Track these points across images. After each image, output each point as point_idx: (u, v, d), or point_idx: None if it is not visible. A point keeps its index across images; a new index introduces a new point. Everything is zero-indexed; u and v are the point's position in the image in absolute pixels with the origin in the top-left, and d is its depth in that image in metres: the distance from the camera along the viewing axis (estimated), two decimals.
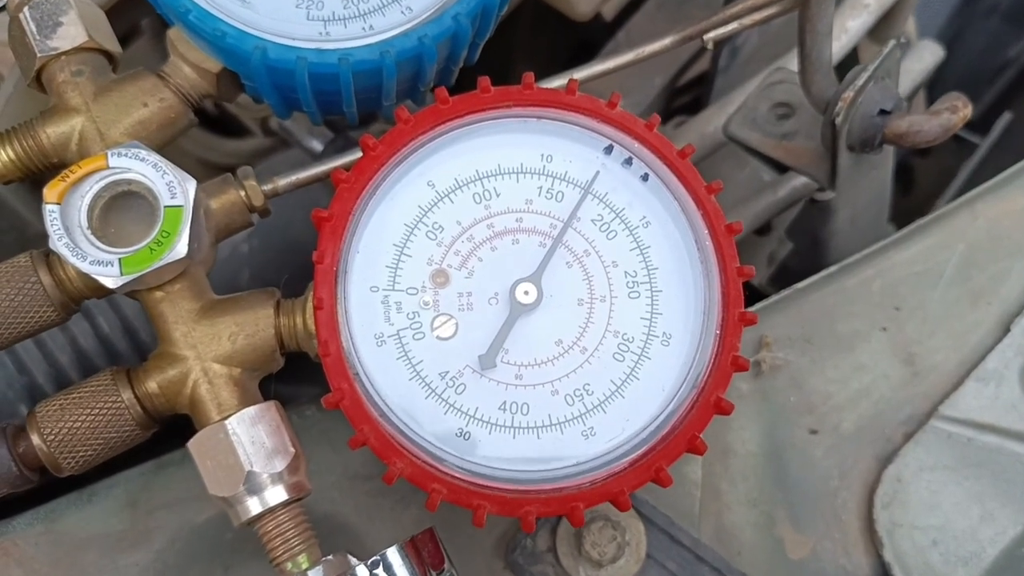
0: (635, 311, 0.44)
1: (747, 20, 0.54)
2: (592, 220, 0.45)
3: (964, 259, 0.58)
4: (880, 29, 0.75)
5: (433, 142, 0.44)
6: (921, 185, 0.73)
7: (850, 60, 0.74)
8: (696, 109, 0.78)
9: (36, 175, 0.47)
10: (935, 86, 0.94)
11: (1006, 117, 0.90)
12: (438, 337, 0.43)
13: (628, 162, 0.45)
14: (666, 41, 0.54)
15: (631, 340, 0.44)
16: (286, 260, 0.63)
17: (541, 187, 0.45)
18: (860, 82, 0.53)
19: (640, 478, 0.42)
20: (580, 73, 0.51)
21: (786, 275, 0.70)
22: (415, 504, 0.52)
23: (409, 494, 0.52)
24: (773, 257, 0.73)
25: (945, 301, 0.57)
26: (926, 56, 0.80)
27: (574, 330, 0.44)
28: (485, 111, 0.44)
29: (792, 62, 0.62)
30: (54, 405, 0.43)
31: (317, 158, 0.64)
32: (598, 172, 0.45)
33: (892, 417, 0.55)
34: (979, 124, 1.01)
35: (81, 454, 0.43)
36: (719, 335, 0.43)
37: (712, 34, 0.54)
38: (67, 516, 0.50)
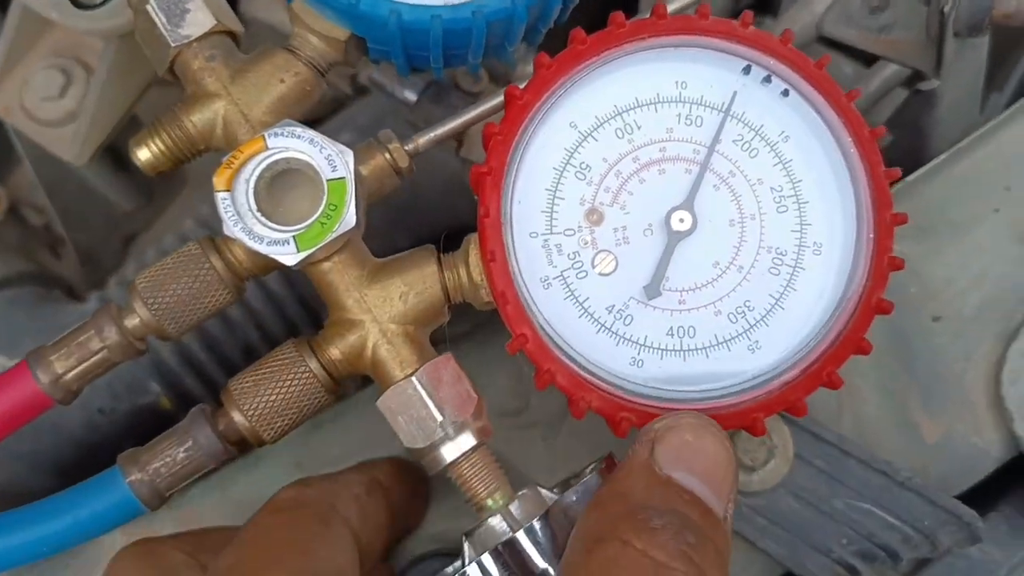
0: (785, 225, 0.46)
1: None
2: (733, 141, 0.46)
3: None
4: None
5: (572, 83, 0.45)
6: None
7: None
8: (764, 6, 0.77)
9: (185, 162, 0.48)
10: None
11: None
12: (600, 273, 0.45)
13: (767, 79, 0.46)
14: None
15: (784, 253, 0.45)
16: (404, 209, 0.65)
17: (680, 114, 0.46)
18: None
19: (812, 384, 0.44)
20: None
21: (891, 165, 0.71)
22: (563, 432, 0.55)
23: (556, 421, 0.55)
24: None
25: None
26: None
27: (729, 250, 0.45)
28: (621, 45, 0.45)
29: None
30: (247, 381, 0.45)
31: (411, 107, 0.65)
32: (735, 93, 0.46)
33: (1012, 296, 0.57)
34: None
35: (279, 424, 0.45)
36: (872, 238, 0.45)
37: None
38: (238, 482, 0.54)
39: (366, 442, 0.54)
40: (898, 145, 0.69)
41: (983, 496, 0.54)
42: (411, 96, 0.66)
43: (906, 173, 0.58)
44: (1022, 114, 0.59)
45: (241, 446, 0.46)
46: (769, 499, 0.51)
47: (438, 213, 0.66)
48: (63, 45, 0.61)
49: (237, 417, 0.45)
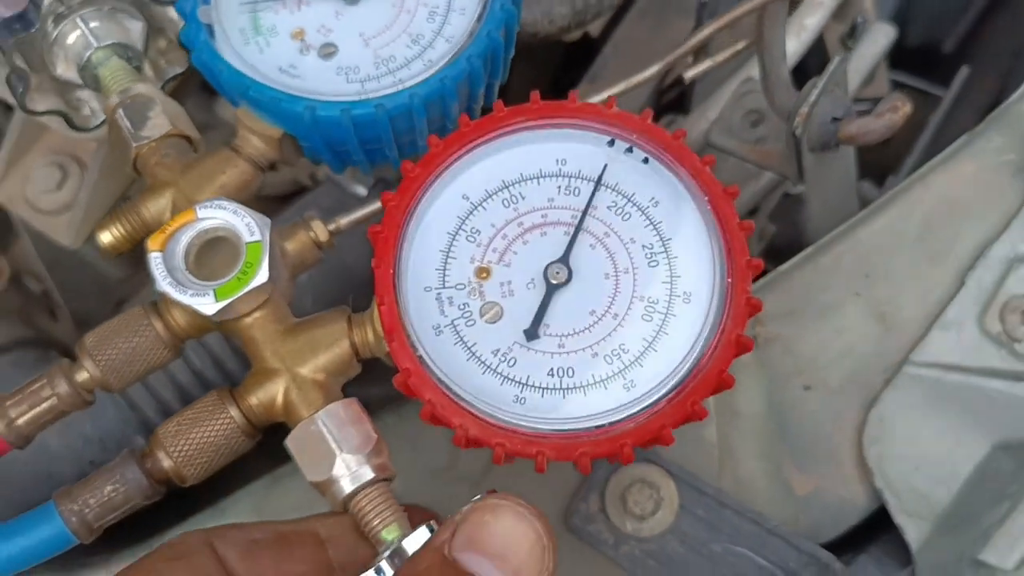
0: (656, 277, 0.50)
1: (719, 57, 0.65)
2: (607, 207, 0.52)
3: (922, 225, 0.66)
4: (842, 9, 0.84)
5: (462, 160, 0.52)
6: (895, 137, 0.81)
7: (817, 45, 0.84)
8: (682, 105, 0.86)
9: (140, 243, 0.56)
10: (906, 25, 1.00)
11: (964, 72, 0.97)
12: (487, 321, 0.50)
13: (629, 150, 0.52)
14: (651, 71, 0.62)
15: (656, 302, 0.50)
16: (341, 284, 0.72)
17: (560, 186, 0.52)
18: (812, 97, 0.62)
19: (678, 414, 0.47)
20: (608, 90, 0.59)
21: (775, 252, 0.81)
22: (486, 486, 0.59)
23: (481, 478, 0.59)
24: (763, 234, 0.84)
25: (908, 264, 0.66)
26: (880, 39, 0.88)
27: (604, 300, 0.50)
28: (502, 128, 0.52)
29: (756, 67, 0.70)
30: (172, 426, 0.51)
31: (362, 200, 0.73)
32: (606, 165, 0.52)
33: (872, 368, 0.65)
34: (955, 56, 1.07)
35: (199, 463, 0.50)
36: (731, 283, 0.49)
37: (690, 73, 0.65)
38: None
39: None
40: (781, 235, 0.77)
41: (853, 542, 0.60)
42: (361, 191, 0.75)
43: (784, 261, 0.67)
44: (880, 211, 0.67)
45: (167, 484, 0.51)
46: (658, 544, 0.55)
47: None
48: (60, 144, 0.71)
49: (162, 456, 0.50)
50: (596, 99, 0.60)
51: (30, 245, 0.77)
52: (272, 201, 0.82)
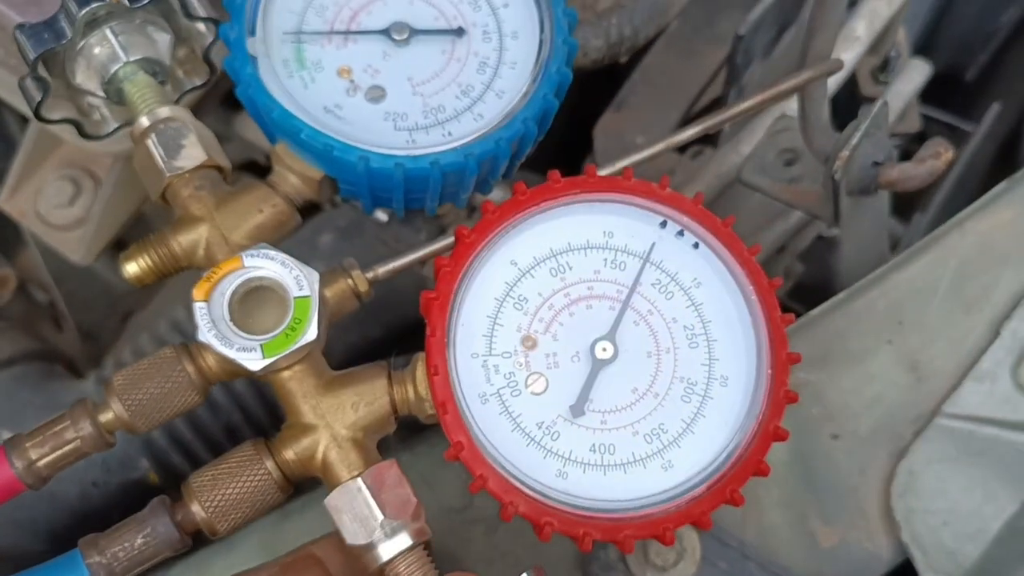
0: (696, 359, 0.52)
1: (757, 99, 0.64)
2: (652, 284, 0.53)
3: (957, 273, 0.65)
4: (875, 43, 0.84)
5: (513, 227, 0.52)
6: None
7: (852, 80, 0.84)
8: (711, 137, 0.86)
9: (166, 277, 0.54)
10: (930, 50, 1.01)
11: (995, 108, 0.96)
12: (532, 393, 0.51)
13: (680, 233, 0.53)
14: (689, 132, 0.62)
15: (695, 384, 0.52)
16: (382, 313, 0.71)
17: (606, 259, 0.53)
18: (854, 141, 0.60)
19: (717, 500, 0.49)
20: (623, 162, 0.59)
21: (802, 292, 0.80)
22: (501, 527, 0.60)
23: (495, 520, 0.60)
24: (789, 272, 0.82)
25: (942, 312, 0.65)
26: (915, 76, 0.87)
27: (646, 378, 0.51)
28: (557, 198, 0.52)
29: (794, 104, 0.69)
30: (207, 476, 0.50)
31: (382, 225, 0.72)
32: (654, 243, 0.53)
33: (902, 418, 0.64)
34: (976, 85, 1.07)
35: (233, 517, 0.49)
36: (771, 374, 0.51)
37: (724, 116, 0.63)
38: (214, 564, 0.60)
39: (328, 529, 0.58)
40: (810, 277, 0.77)
41: None
42: (383, 217, 0.73)
43: (814, 305, 0.67)
44: (915, 256, 0.67)
45: (195, 536, 0.50)
46: None
47: (409, 307, 0.73)
48: (74, 157, 0.68)
49: (196, 509, 0.49)
50: (621, 165, 0.60)
51: (38, 255, 0.74)
52: None
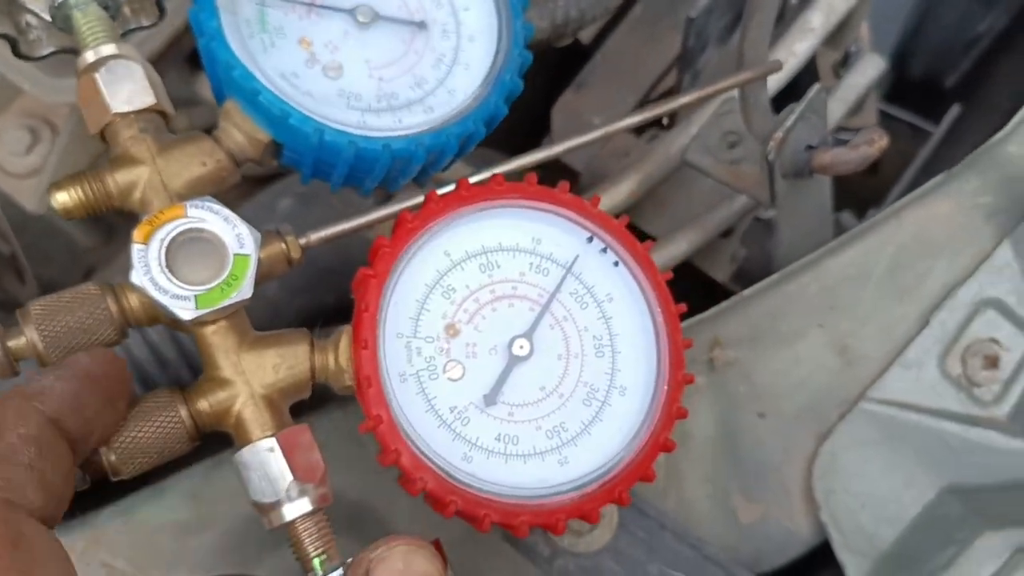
0: (600, 367, 0.56)
1: (705, 91, 0.65)
2: (570, 293, 0.56)
3: (892, 261, 0.66)
4: (835, 37, 0.86)
5: (452, 220, 0.55)
6: (884, 168, 0.86)
7: (808, 68, 0.85)
8: (670, 121, 0.89)
9: (95, 216, 0.53)
10: (907, 59, 1.04)
11: (955, 110, 0.99)
12: (448, 378, 0.53)
13: (604, 251, 0.57)
14: (641, 116, 0.63)
15: (597, 390, 0.55)
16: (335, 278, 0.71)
17: (532, 263, 0.56)
18: (789, 123, 0.63)
19: (606, 498, 0.53)
20: (558, 147, 0.62)
21: (745, 275, 0.82)
22: None
23: None
24: (735, 257, 0.84)
25: (874, 299, 0.66)
26: (869, 70, 0.90)
27: (554, 379, 0.55)
28: (496, 200, 0.55)
29: None
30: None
31: (340, 194, 0.72)
32: (578, 256, 0.57)
33: (828, 400, 0.65)
34: (955, 93, 1.08)
35: (139, 461, 0.49)
36: (666, 390, 0.56)
37: (672, 105, 0.64)
38: (142, 509, 0.60)
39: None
40: (749, 260, 0.80)
41: (794, 574, 0.62)
42: None
43: (752, 285, 0.69)
44: (851, 243, 0.69)
45: (103, 478, 0.50)
46: (593, 561, 0.58)
47: None
48: (33, 107, 0.66)
49: (103, 450, 0.49)
50: (568, 144, 0.61)
51: None
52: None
